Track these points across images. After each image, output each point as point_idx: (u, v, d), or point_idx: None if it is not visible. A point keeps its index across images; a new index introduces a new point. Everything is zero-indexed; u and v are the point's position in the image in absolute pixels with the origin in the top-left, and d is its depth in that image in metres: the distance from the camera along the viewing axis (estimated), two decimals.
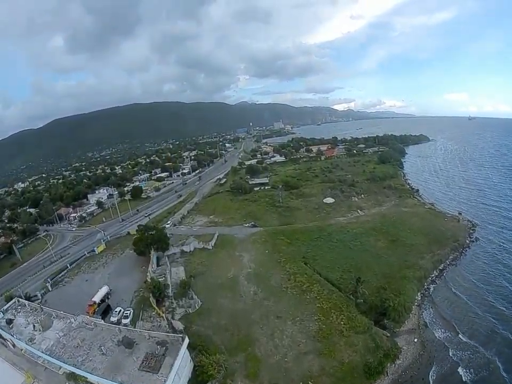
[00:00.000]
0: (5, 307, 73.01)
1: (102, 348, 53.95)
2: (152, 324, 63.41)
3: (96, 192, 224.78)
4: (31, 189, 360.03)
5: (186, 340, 51.47)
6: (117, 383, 45.89)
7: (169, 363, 48.63)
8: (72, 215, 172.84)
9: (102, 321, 61.62)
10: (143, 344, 53.44)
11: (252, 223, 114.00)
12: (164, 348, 51.65)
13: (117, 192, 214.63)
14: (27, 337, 60.98)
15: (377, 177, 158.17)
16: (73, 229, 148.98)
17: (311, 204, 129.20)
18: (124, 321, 64.57)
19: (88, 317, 63.45)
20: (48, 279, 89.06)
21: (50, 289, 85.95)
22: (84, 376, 49.31)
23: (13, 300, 74.62)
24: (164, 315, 64.48)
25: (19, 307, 72.91)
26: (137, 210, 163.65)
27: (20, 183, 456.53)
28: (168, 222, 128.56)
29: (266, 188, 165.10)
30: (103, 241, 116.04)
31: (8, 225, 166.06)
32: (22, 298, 77.54)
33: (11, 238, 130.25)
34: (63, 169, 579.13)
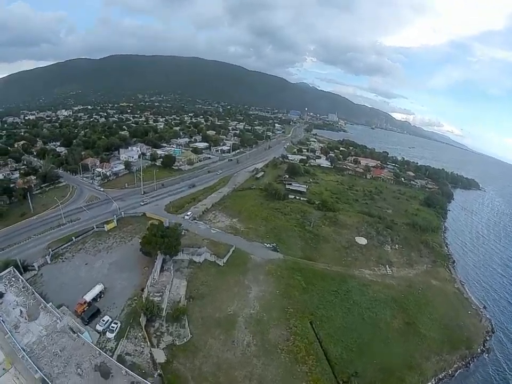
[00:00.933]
0: (0, 274, 75.93)
1: (80, 367, 55.36)
2: (135, 348, 64.32)
3: (129, 148, 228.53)
4: (72, 120, 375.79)
5: None
6: None
7: None
8: (97, 169, 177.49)
9: (86, 334, 62.32)
10: (118, 379, 54.62)
11: (274, 244, 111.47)
12: None
13: (150, 153, 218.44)
14: (12, 322, 63.78)
15: (417, 225, 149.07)
16: (101, 189, 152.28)
17: (342, 239, 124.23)
18: (108, 334, 66.05)
19: (74, 320, 64.48)
20: (50, 250, 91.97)
21: (48, 262, 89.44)
22: None
23: (8, 269, 77.54)
24: (148, 342, 64.82)
25: (13, 279, 76.15)
26: (163, 184, 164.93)
27: (64, 110, 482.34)
28: (189, 213, 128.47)
29: (302, 199, 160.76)
30: (116, 217, 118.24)
31: (32, 165, 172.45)
32: (18, 266, 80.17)
33: (29, 184, 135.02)
34: (110, 105, 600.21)
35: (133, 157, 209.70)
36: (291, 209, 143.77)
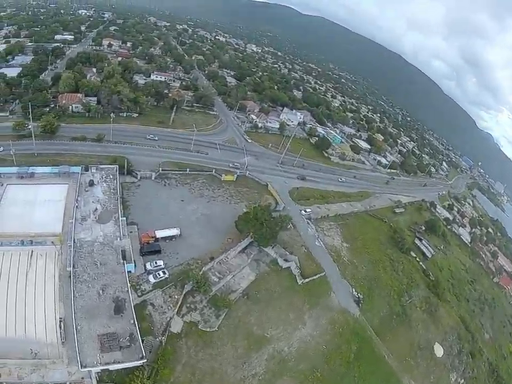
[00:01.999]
0: (103, 166, 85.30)
1: (104, 289, 60.58)
2: (162, 305, 66.79)
3: (293, 111, 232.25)
4: (256, 58, 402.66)
5: (140, 362, 52.87)
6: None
7: (114, 357, 51.83)
8: (252, 115, 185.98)
9: (132, 265, 67.08)
10: (123, 321, 57.21)
11: (360, 296, 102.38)
12: (128, 344, 54.31)
13: (310, 126, 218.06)
14: (84, 213, 71.86)
15: (497, 374, 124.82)
16: (249, 139, 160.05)
17: (424, 336, 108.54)
18: (151, 278, 69.58)
19: (131, 247, 69.61)
20: (160, 168, 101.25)
21: (152, 178, 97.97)
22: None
23: (113, 166, 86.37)
24: (177, 308, 66.90)
25: (110, 176, 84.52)
26: (303, 165, 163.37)
27: (254, 46, 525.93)
28: (308, 210, 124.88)
29: (420, 263, 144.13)
30: (239, 172, 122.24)
31: (196, 82, 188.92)
32: (124, 167, 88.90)
33: (181, 98, 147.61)
34: (299, 61, 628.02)
35: (292, 121, 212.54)
36: (403, 269, 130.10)
